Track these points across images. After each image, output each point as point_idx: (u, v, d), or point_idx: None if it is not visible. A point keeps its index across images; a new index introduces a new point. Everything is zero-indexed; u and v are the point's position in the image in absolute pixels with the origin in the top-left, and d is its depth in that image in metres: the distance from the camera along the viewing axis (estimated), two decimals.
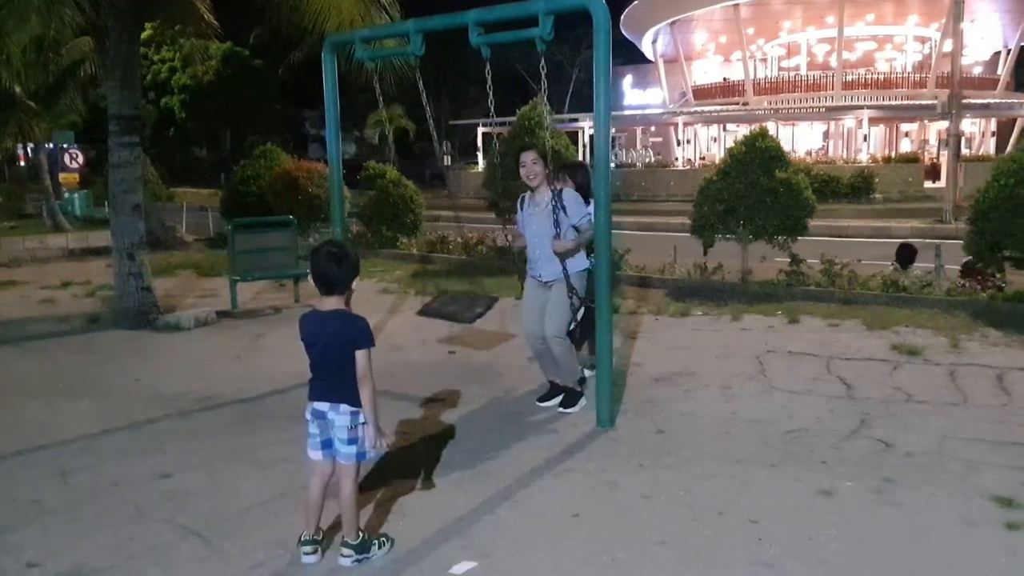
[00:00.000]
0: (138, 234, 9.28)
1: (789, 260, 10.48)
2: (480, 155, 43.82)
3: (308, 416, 3.78)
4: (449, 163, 49.22)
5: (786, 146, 43.30)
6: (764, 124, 10.77)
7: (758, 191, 10.22)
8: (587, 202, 6.67)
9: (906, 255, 11.00)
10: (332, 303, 3.80)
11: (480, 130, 42.90)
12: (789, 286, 10.11)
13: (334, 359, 3.67)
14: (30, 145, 27.94)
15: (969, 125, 44.24)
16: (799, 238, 10.51)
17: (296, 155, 20.17)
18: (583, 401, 5.97)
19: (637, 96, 53.79)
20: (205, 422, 5.92)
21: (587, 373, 6.72)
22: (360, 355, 3.66)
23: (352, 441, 3.70)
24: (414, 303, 10.59)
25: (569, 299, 5.66)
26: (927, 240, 15.69)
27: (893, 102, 38.27)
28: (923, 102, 35.07)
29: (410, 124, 48.47)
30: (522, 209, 5.93)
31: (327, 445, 3.77)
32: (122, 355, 8.00)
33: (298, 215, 17.07)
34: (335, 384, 3.67)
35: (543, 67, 5.67)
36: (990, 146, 41.57)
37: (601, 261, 5.45)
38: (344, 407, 3.67)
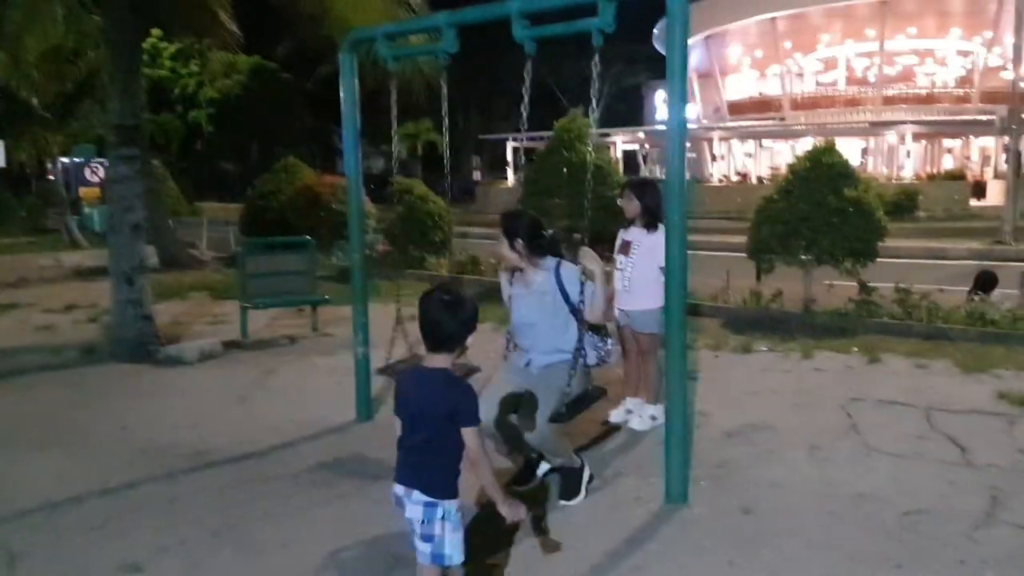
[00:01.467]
0: (138, 257, 8.39)
1: (859, 288, 9.41)
2: (510, 170, 42.96)
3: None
4: (479, 178, 48.39)
5: None
6: (830, 139, 9.65)
7: (825, 211, 9.17)
8: (656, 226, 5.70)
9: (987, 283, 9.86)
10: (439, 361, 3.08)
11: (510, 144, 42.08)
12: (860, 317, 9.03)
13: (422, 431, 3.01)
14: (61, 160, 27.39)
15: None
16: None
17: (323, 169, 19.37)
18: (588, 481, 4.73)
19: (665, 112, 52.66)
20: (193, 487, 4.96)
21: (652, 421, 5.74)
22: (468, 434, 2.97)
23: (427, 538, 3.01)
24: None
25: (567, 383, 4.41)
26: (989, 262, 14.52)
27: (944, 117, 36.98)
28: (979, 117, 33.75)
29: (438, 138, 47.69)
30: (511, 284, 4.76)
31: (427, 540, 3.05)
32: (112, 395, 7.08)
33: (320, 233, 16.27)
34: (416, 463, 3.03)
35: (596, 65, 4.53)
36: None
37: (673, 297, 4.44)
38: (417, 495, 3.00)
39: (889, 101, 39.99)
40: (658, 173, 37.04)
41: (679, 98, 4.32)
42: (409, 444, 3.05)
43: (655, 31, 44.82)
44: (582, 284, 4.50)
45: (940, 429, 5.65)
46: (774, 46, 41.77)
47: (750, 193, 33.28)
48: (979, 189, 32.74)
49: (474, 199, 41.44)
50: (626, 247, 5.83)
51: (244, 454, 5.54)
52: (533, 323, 4.61)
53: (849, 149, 41.37)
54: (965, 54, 43.40)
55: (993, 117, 21.30)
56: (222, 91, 53.96)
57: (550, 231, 4.67)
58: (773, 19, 40.33)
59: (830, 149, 9.54)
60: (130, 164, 8.35)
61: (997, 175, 37.37)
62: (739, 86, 49.27)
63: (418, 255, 14.50)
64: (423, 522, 2.98)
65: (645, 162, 41.83)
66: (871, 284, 9.40)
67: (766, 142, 44.08)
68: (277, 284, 9.30)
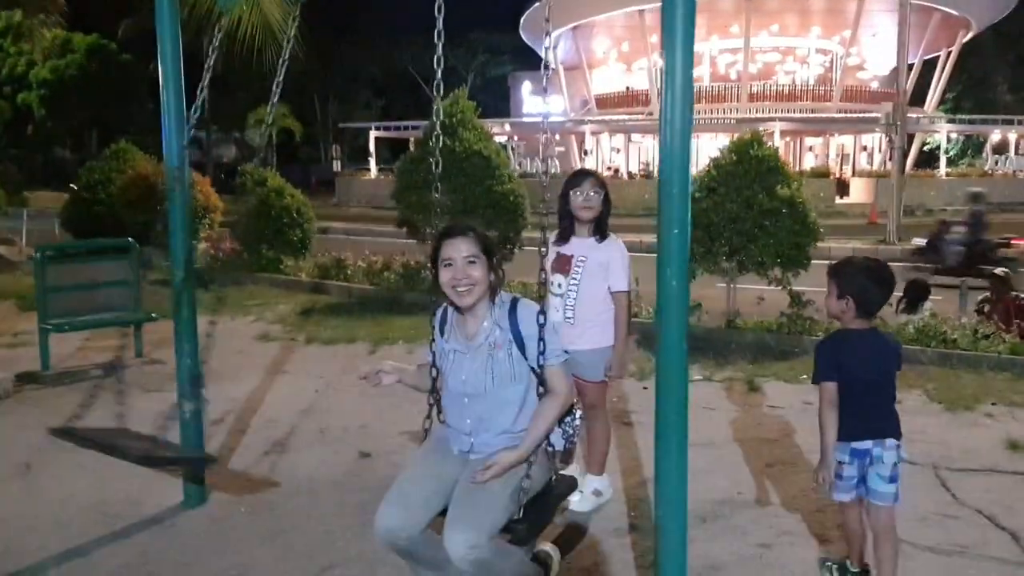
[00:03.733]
0: None
1: (790, 300, 8.22)
2: (372, 161, 40.90)
3: (845, 458, 3.28)
4: (339, 169, 46.00)
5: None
6: (756, 130, 8.41)
7: (755, 213, 7.92)
8: (607, 234, 4.26)
9: (916, 294, 8.85)
10: (865, 323, 3.31)
11: (372, 134, 39.99)
12: (797, 334, 7.84)
13: (887, 385, 3.32)
14: None
15: (869, 140, 44.10)
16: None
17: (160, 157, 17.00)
18: None
19: (537, 104, 51.81)
20: None
21: (597, 498, 4.29)
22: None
23: (894, 479, 3.27)
24: (305, 358, 7.85)
25: (524, 475, 2.97)
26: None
27: (824, 115, 37.40)
28: (865, 115, 34.21)
29: (295, 124, 44.96)
30: (442, 335, 3.22)
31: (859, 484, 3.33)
32: None
33: (156, 230, 14.06)
34: (885, 414, 3.29)
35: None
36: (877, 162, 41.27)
37: (671, 342, 2.90)
38: (891, 442, 3.26)
39: (754, 98, 40.22)
40: (529, 167, 35.90)
41: (682, 77, 2.74)
42: (873, 401, 3.24)
43: (522, 20, 43.69)
44: (541, 326, 2.97)
45: (966, 501, 4.37)
46: (641, 39, 41.26)
47: (621, 190, 32.58)
48: (843, 187, 33.12)
49: (334, 191, 39.19)
50: (565, 264, 4.30)
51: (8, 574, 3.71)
52: (478, 394, 3.05)
53: (715, 146, 41.55)
54: (825, 52, 44.32)
55: (878, 115, 21.16)
56: (56, 72, 49.33)
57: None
58: (641, 11, 39.78)
59: (757, 140, 8.31)
60: None
61: (856, 173, 38.17)
62: (606, 80, 48.77)
63: (273, 256, 12.54)
64: (895, 464, 3.24)
65: (514, 154, 40.61)
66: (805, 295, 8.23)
67: (635, 137, 43.72)
68: (88, 299, 7.27)
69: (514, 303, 3.06)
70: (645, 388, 6.45)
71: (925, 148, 41.51)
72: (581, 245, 4.29)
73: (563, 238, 4.34)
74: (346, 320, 9.37)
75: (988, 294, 9.37)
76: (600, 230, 4.28)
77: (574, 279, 4.24)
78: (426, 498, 2.94)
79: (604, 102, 45.95)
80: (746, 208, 7.94)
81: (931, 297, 8.81)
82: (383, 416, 5.79)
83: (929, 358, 7.08)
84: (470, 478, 2.92)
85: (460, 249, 3.00)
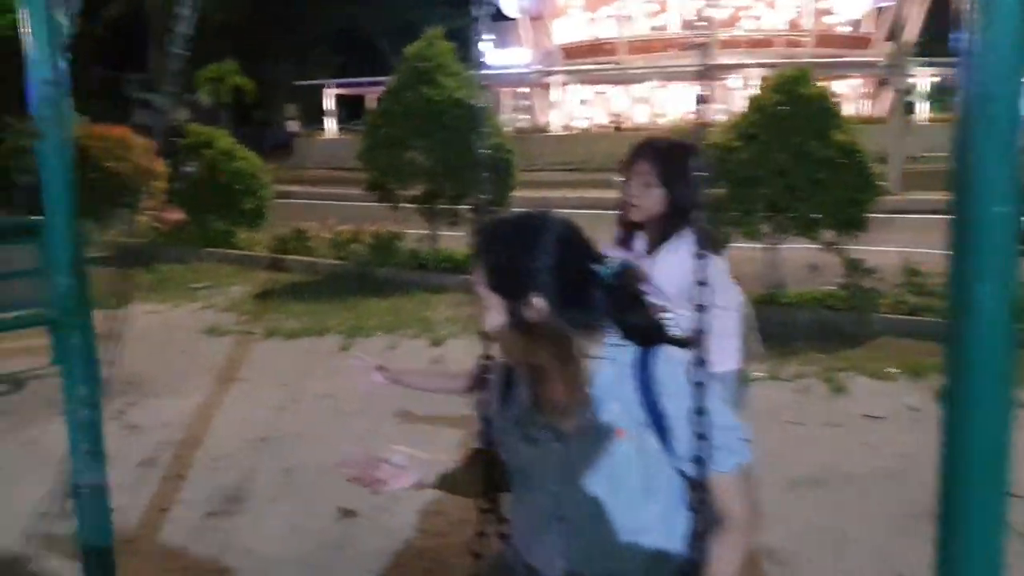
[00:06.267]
0: None
1: (847, 268, 6.87)
2: (330, 120, 38.96)
3: None
4: (296, 129, 43.87)
5: (662, 111, 40.66)
6: (802, 68, 6.92)
7: (808, 164, 6.54)
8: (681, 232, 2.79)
9: None
10: None
11: (328, 92, 38.03)
12: (861, 312, 6.50)
13: None
14: None
15: (843, 87, 42.87)
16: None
17: (112, 122, 15.04)
18: None
19: (499, 56, 49.91)
20: None
21: None
22: None
23: None
24: (264, 357, 6.37)
25: None
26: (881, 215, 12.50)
27: (818, 59, 36.05)
28: (863, 59, 32.96)
29: (247, 82, 42.61)
30: (503, 403, 1.78)
31: None
32: None
33: (92, 202, 12.36)
34: None
35: None
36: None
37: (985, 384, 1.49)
38: None
39: (727, 44, 38.76)
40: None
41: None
42: None
43: None
44: (698, 387, 1.58)
45: None
46: None
47: (594, 142, 31.17)
48: None
49: (291, 153, 37.19)
50: None
51: None
52: (577, 521, 1.67)
53: (688, 96, 40.11)
54: None
55: (855, 59, 19.83)
56: None
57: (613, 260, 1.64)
58: None
59: (804, 77, 6.89)
60: None
61: None
62: (571, 29, 46.96)
63: (224, 228, 10.94)
64: None
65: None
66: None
67: (601, 88, 42.17)
68: None
69: (643, 356, 1.62)
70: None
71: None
72: (635, 254, 2.84)
73: (623, 242, 2.88)
74: (311, 304, 7.86)
75: None
76: (662, 234, 2.81)
77: None
78: None
79: (571, 53, 44.18)
80: (796, 158, 6.55)
81: None
82: (364, 443, 4.35)
83: None
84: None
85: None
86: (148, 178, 12.81)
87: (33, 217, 6.29)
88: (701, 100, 1.73)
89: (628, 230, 2.85)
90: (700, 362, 1.59)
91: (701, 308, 1.66)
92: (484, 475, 1.85)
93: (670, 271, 2.59)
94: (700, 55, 1.85)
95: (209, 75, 37.42)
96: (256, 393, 5.50)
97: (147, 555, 3.43)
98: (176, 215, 11.76)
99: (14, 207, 11.79)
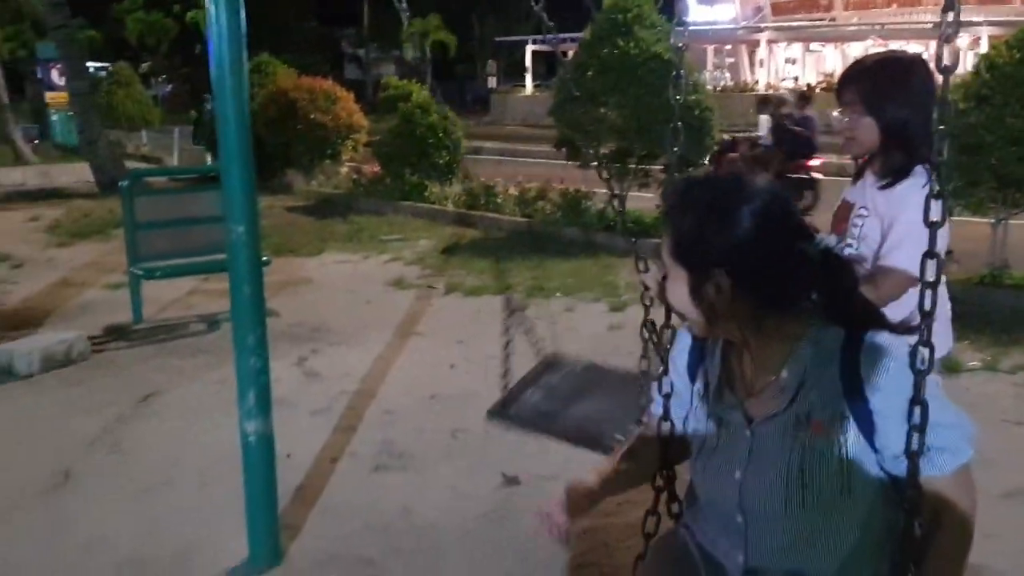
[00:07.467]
0: None
1: None
2: (528, 76, 39.04)
3: None
4: (495, 85, 44.34)
5: None
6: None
7: None
8: (909, 171, 2.42)
9: None
10: None
11: (529, 48, 38.04)
12: None
13: None
14: None
15: None
16: None
17: (327, 75, 15.64)
18: None
19: (703, 12, 48.31)
20: None
21: None
22: None
23: None
24: (443, 313, 6.38)
25: None
26: None
27: None
28: None
29: (450, 37, 43.43)
30: (691, 377, 1.63)
31: None
32: None
33: (298, 151, 12.98)
34: None
35: None
36: None
37: None
38: None
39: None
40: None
41: None
42: None
43: None
44: (918, 377, 1.32)
45: None
46: None
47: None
48: None
49: (488, 109, 37.65)
50: (842, 217, 2.54)
51: None
52: (770, 514, 1.46)
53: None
54: None
55: None
56: None
57: (822, 238, 1.42)
58: None
59: None
60: None
61: None
62: None
63: (417, 182, 11.13)
64: None
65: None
66: None
67: (813, 46, 39.96)
68: (187, 238, 6.00)
69: (852, 340, 1.37)
70: None
71: None
72: (865, 188, 2.49)
73: (857, 175, 2.55)
74: (493, 262, 7.82)
75: None
76: (892, 167, 2.42)
77: (849, 243, 2.46)
78: None
79: (780, 8, 42.10)
80: None
81: None
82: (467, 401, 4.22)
83: None
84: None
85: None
86: (351, 131, 13.27)
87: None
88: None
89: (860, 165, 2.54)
90: (925, 344, 1.34)
91: (929, 284, 1.38)
92: (660, 452, 1.72)
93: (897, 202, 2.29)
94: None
95: (413, 30, 38.39)
96: (432, 349, 5.51)
97: (311, 503, 3.46)
98: (373, 168, 12.09)
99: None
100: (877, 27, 33.06)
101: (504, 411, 3.25)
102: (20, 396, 4.74)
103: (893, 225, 2.34)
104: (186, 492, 3.59)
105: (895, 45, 36.29)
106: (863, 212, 2.45)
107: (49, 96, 24.20)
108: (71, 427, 4.27)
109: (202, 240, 6.00)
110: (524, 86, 39.87)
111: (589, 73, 8.53)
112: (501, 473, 3.68)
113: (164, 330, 5.96)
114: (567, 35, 10.88)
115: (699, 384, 1.59)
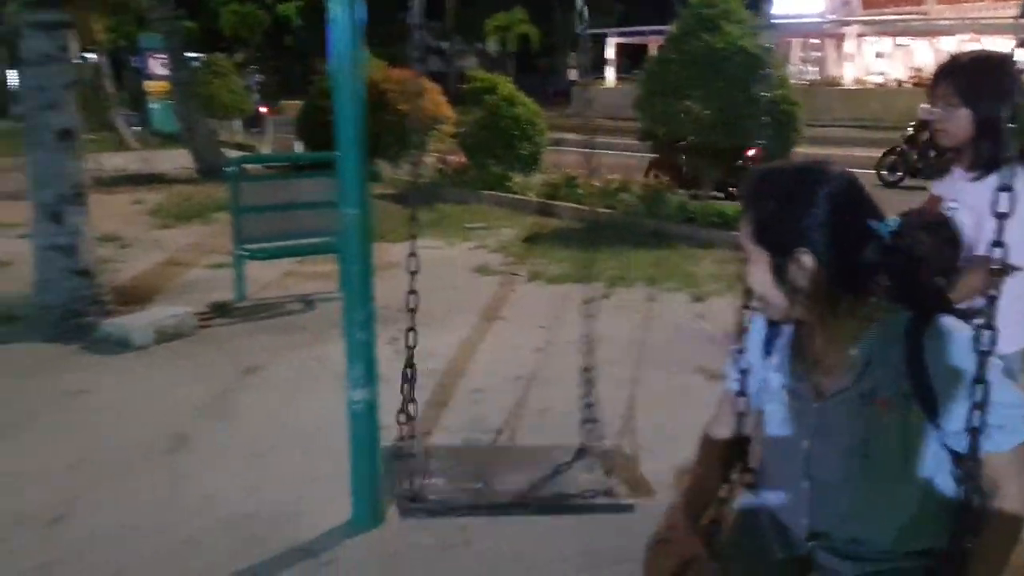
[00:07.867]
0: (69, 180, 5.52)
1: None
2: (610, 69, 38.98)
3: None
4: (576, 78, 44.39)
5: None
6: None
7: None
8: (997, 165, 2.50)
9: None
10: None
11: (611, 40, 37.99)
12: None
13: None
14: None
15: None
16: None
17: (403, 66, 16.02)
18: None
19: (790, 5, 47.43)
20: None
21: None
22: None
23: None
24: (527, 299, 6.60)
25: None
26: None
27: None
28: None
29: (533, 30, 43.65)
30: (766, 354, 1.76)
31: None
32: None
33: (387, 142, 13.28)
34: None
35: None
36: None
37: None
38: None
39: None
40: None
41: None
42: None
43: None
44: (980, 358, 1.46)
45: None
46: None
47: (891, 98, 28.95)
48: None
49: (569, 102, 37.73)
50: (932, 208, 2.64)
51: None
52: (835, 482, 1.62)
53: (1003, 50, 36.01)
54: None
55: None
56: None
57: (893, 219, 1.57)
58: None
59: None
60: (52, 38, 5.39)
61: None
62: None
63: (500, 172, 11.36)
64: None
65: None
66: None
67: (902, 40, 38.91)
68: (286, 222, 6.33)
69: (917, 323, 1.51)
70: None
71: None
72: (954, 182, 2.60)
73: (941, 170, 2.67)
74: (575, 252, 7.98)
75: None
76: (982, 159, 2.52)
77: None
78: None
79: (870, 2, 41.16)
80: None
81: None
82: (612, 396, 4.40)
83: None
84: None
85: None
86: (437, 122, 13.55)
87: (330, 152, 6.89)
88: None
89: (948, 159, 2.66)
90: (988, 327, 1.46)
91: (998, 271, 1.52)
92: (735, 424, 1.86)
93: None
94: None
95: (497, 23, 38.64)
96: (515, 333, 5.71)
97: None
98: (458, 158, 12.36)
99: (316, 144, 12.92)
100: (969, 21, 32.08)
101: (416, 504, 3.29)
102: (136, 366, 5.10)
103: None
104: (291, 457, 3.86)
105: (989, 40, 35.24)
106: (953, 205, 2.56)
107: (148, 85, 25.22)
108: (183, 395, 4.60)
109: (302, 223, 6.35)
110: (604, 79, 39.81)
111: (674, 67, 8.62)
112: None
113: (264, 308, 6.29)
114: (650, 28, 10.95)
115: (772, 360, 1.73)
